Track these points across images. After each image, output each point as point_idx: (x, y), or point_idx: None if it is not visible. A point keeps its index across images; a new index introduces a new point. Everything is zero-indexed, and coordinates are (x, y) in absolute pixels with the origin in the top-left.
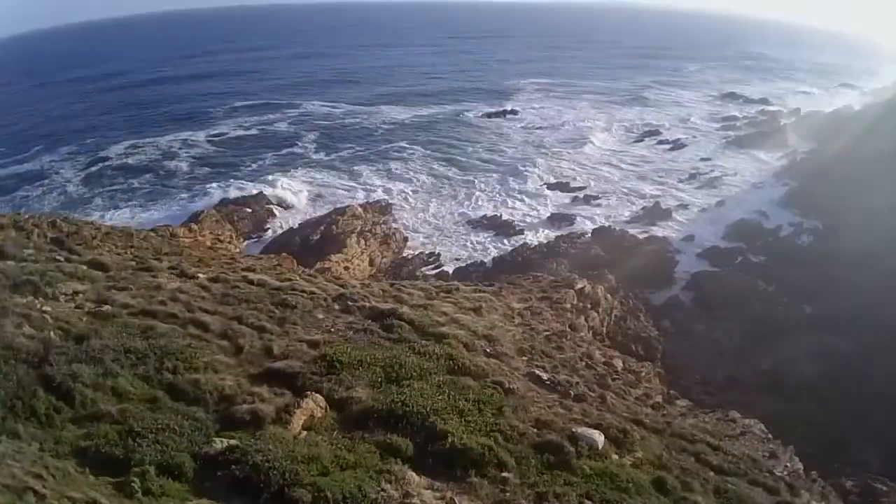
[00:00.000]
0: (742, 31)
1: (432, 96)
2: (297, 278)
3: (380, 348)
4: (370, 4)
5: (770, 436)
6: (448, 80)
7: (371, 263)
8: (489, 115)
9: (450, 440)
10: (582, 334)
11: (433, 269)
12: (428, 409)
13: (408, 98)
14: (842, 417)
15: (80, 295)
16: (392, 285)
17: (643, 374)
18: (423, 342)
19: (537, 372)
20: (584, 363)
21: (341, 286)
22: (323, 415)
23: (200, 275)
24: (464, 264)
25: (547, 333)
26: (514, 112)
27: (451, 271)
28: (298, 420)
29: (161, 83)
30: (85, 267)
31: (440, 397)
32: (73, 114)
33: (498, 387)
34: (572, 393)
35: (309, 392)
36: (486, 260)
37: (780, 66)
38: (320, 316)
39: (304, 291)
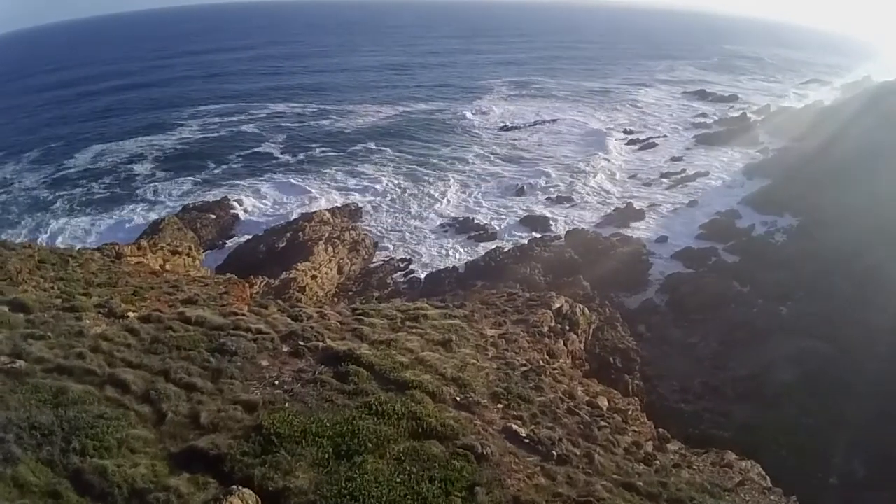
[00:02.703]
0: (714, 28)
1: (404, 97)
2: (245, 310)
3: (330, 409)
4: (357, 3)
5: (770, 484)
6: (422, 81)
7: (340, 271)
8: (462, 115)
9: None
10: (561, 362)
11: (404, 275)
12: (384, 502)
13: (379, 98)
14: (823, 424)
15: None
16: (354, 311)
17: (630, 412)
18: (383, 396)
19: (514, 427)
20: (565, 406)
21: (294, 318)
22: None
23: (131, 313)
24: (436, 269)
25: (524, 369)
26: (485, 112)
27: (422, 277)
28: None
29: (130, 88)
30: (6, 309)
31: (399, 479)
32: (40, 122)
33: (469, 453)
34: (555, 453)
35: (236, 487)
36: (458, 265)
37: (752, 63)
38: (264, 363)
39: (248, 330)
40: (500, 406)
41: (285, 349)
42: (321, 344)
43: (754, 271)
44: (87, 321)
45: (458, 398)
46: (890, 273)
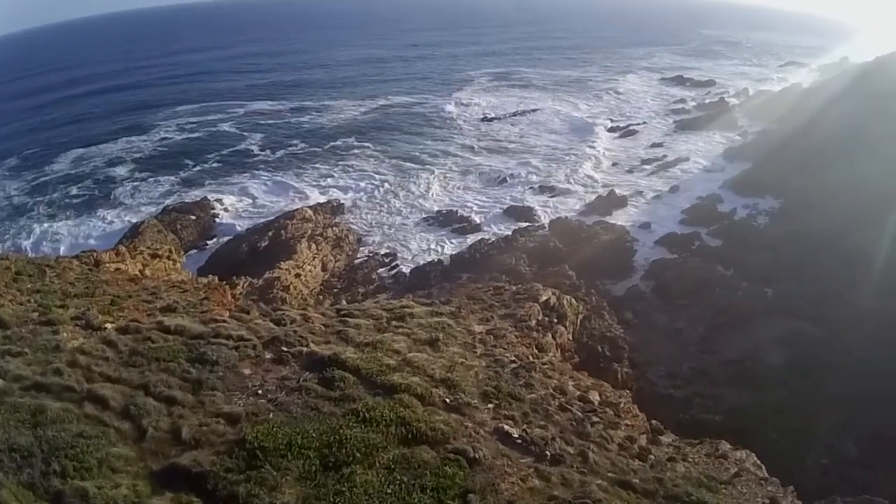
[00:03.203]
0: (692, 12)
1: (384, 91)
2: (226, 316)
3: (316, 418)
4: None
5: (766, 474)
6: (401, 74)
7: (324, 268)
8: (443, 108)
9: None
10: (550, 356)
11: (389, 270)
12: None
13: (358, 92)
14: (813, 405)
15: None
16: (338, 312)
17: (621, 405)
18: (371, 401)
19: (506, 428)
20: (557, 402)
21: (277, 323)
22: None
23: (108, 324)
24: (421, 263)
25: (514, 365)
26: (466, 104)
27: (408, 272)
28: None
29: (109, 91)
30: None
31: (389, 489)
32: (20, 127)
33: (461, 458)
34: (548, 453)
35: None
36: (443, 258)
37: (729, 47)
38: (247, 372)
39: (229, 338)
40: (490, 406)
41: (268, 356)
42: (305, 349)
43: (738, 254)
44: (65, 334)
45: (447, 400)
46: (876, 252)
